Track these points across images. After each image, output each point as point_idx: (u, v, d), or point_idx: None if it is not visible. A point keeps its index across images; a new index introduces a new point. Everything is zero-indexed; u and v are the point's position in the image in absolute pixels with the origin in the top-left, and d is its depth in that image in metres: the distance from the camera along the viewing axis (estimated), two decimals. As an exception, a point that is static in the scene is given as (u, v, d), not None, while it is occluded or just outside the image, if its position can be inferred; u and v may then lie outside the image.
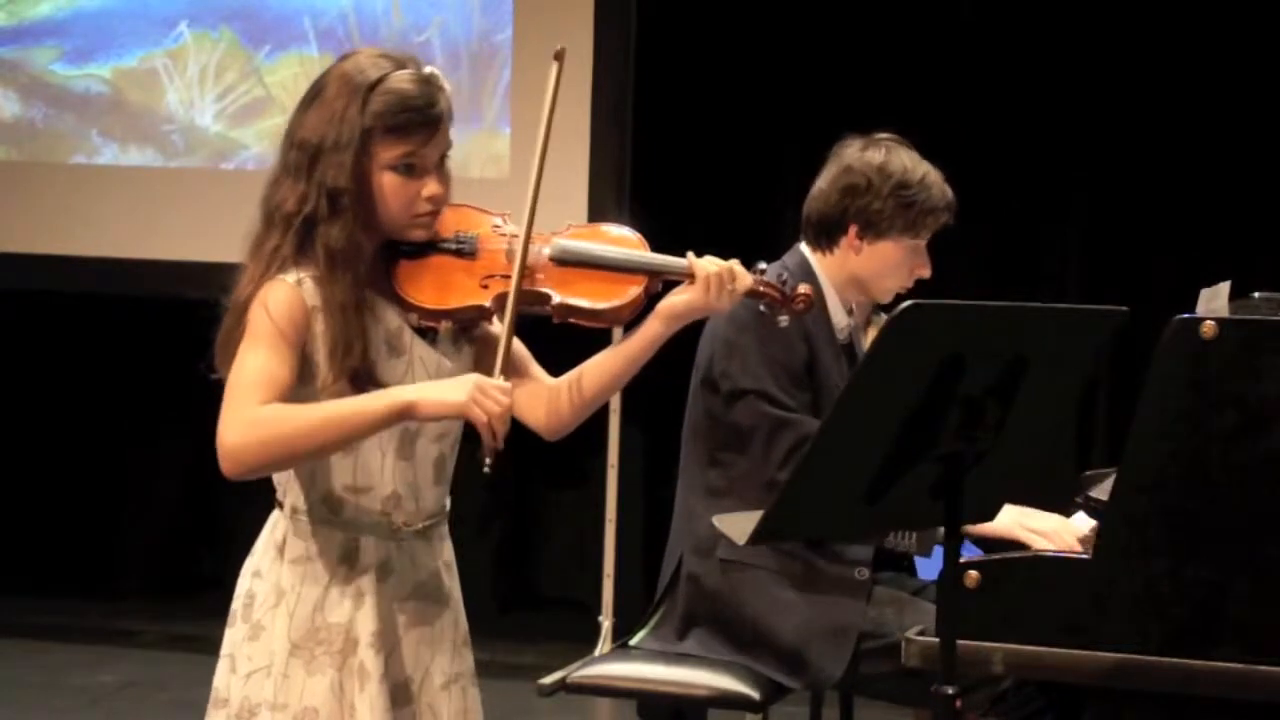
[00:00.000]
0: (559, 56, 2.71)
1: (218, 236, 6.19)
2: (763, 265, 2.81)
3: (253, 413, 2.53)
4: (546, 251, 2.71)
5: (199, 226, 6.22)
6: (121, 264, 6.38)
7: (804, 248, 3.72)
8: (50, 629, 6.45)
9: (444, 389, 2.56)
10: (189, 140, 6.44)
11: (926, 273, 3.71)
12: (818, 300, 3.64)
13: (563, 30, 6.01)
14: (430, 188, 2.66)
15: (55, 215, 6.47)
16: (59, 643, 6.33)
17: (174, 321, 6.48)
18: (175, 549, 6.98)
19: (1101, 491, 3.37)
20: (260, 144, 6.36)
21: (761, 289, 2.77)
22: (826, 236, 3.69)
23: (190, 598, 6.69)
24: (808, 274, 3.66)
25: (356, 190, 2.61)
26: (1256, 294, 3.53)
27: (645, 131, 6.12)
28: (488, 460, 2.55)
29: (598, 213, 5.86)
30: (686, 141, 6.27)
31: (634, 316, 2.74)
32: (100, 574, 6.91)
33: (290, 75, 6.32)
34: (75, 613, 6.63)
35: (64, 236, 6.44)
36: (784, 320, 2.83)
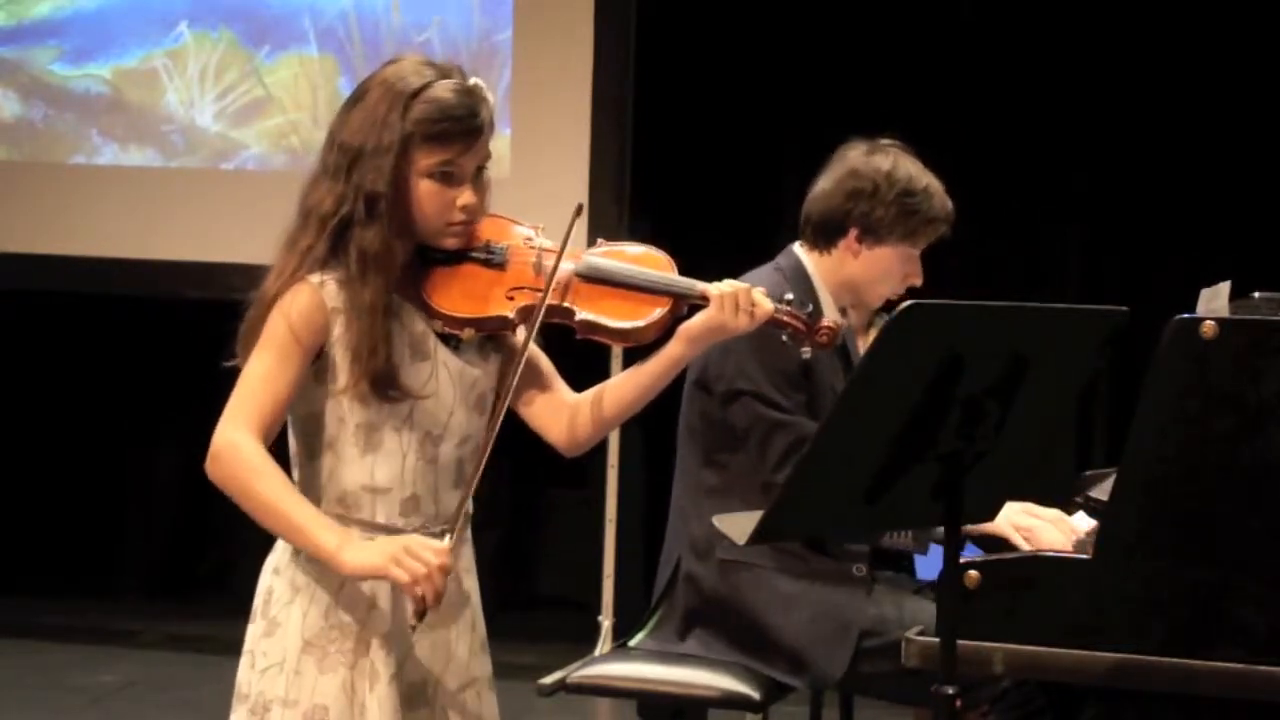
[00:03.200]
0: (578, 212, 2.69)
1: (218, 236, 6.22)
2: (789, 295, 2.79)
3: (245, 440, 2.57)
4: (575, 268, 2.71)
5: (199, 226, 6.23)
6: (121, 264, 6.37)
7: (798, 248, 3.73)
8: (50, 629, 6.45)
9: (369, 551, 2.56)
10: (189, 140, 6.44)
11: (918, 281, 3.73)
12: (818, 310, 3.65)
13: (563, 30, 6.02)
14: (465, 197, 2.67)
15: (55, 215, 6.47)
16: (59, 643, 6.33)
17: (174, 321, 6.51)
18: (175, 549, 6.98)
19: (1101, 491, 3.37)
20: (260, 144, 6.36)
21: (786, 319, 2.74)
22: (825, 238, 3.69)
23: (190, 598, 6.69)
24: (801, 274, 3.67)
25: (393, 195, 2.63)
26: (1256, 294, 3.53)
27: (645, 131, 6.12)
28: (412, 621, 2.58)
29: (598, 214, 5.86)
30: (686, 141, 6.27)
31: (658, 337, 2.73)
32: (100, 574, 6.91)
33: (290, 75, 6.33)
34: (75, 613, 6.63)
35: (64, 236, 6.44)
36: (807, 352, 2.81)
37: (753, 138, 6.22)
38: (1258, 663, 2.68)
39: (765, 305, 2.72)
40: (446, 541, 2.60)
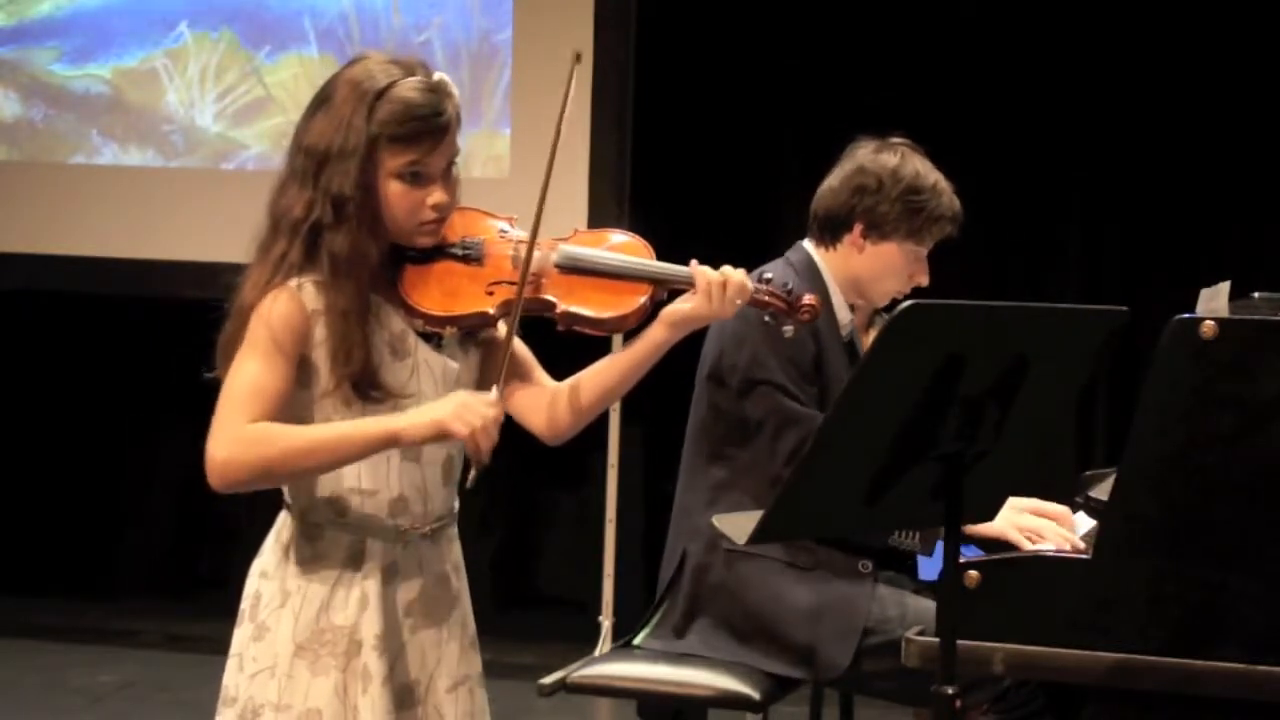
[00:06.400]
0: (577, 59, 2.68)
1: (218, 236, 6.20)
2: (769, 274, 2.78)
3: (243, 430, 2.54)
4: (552, 258, 2.70)
5: (199, 226, 6.22)
6: (121, 264, 6.38)
7: (808, 244, 3.75)
8: (50, 629, 6.45)
9: (427, 410, 2.57)
10: (189, 140, 6.44)
11: (924, 280, 3.73)
12: (823, 298, 3.65)
13: (563, 30, 6.02)
14: (436, 196, 2.65)
15: (55, 215, 6.47)
16: (59, 643, 6.33)
17: (174, 321, 6.49)
18: (175, 549, 6.99)
19: (1101, 491, 3.37)
20: (260, 144, 6.36)
21: (766, 299, 2.74)
22: (831, 232, 3.71)
23: (190, 598, 6.69)
24: (811, 269, 3.68)
25: (362, 198, 2.61)
26: (1256, 294, 3.54)
27: (645, 131, 6.12)
28: (471, 475, 2.60)
29: (598, 213, 5.86)
30: (686, 141, 6.27)
31: (639, 324, 2.72)
32: (100, 574, 6.91)
33: (290, 75, 6.33)
34: (75, 613, 6.63)
35: (64, 236, 6.44)
36: (789, 330, 2.81)
37: (753, 137, 6.23)
38: (1258, 663, 2.68)
39: (747, 289, 2.70)
40: (494, 393, 2.59)
